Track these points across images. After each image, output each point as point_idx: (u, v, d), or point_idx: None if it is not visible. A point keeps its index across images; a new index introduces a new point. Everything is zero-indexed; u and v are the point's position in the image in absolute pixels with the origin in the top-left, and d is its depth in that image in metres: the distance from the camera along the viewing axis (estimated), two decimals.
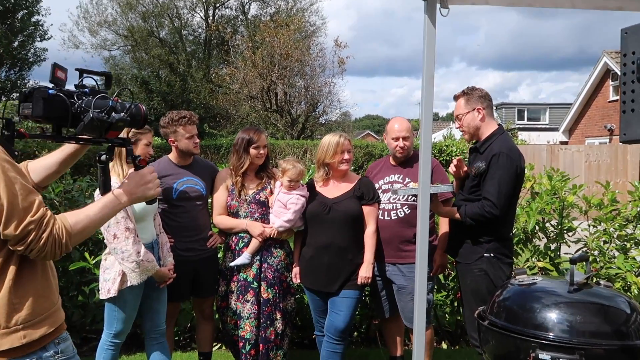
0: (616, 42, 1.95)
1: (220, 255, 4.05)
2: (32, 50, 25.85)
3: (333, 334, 3.55)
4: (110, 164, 3.24)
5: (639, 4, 2.48)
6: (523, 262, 4.39)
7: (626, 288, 4.29)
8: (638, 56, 1.91)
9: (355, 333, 4.80)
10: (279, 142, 18.89)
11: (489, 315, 2.54)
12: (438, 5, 2.50)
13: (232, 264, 3.70)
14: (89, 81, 1.92)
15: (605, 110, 22.69)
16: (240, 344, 3.66)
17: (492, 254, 3.21)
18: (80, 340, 4.54)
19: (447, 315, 4.81)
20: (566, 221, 4.51)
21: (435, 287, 4.30)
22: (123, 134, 2.16)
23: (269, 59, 22.38)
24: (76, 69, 1.91)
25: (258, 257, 3.70)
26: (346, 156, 3.63)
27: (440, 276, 4.48)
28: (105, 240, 3.23)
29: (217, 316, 3.99)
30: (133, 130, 3.15)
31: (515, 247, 4.30)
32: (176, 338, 4.62)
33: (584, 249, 4.49)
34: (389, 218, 3.69)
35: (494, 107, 3.51)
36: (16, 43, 24.62)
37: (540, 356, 2.23)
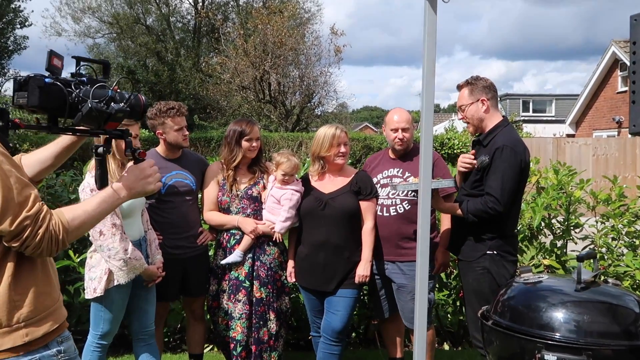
0: (625, 31, 1.96)
1: (211, 253, 4.05)
2: (11, 38, 25.66)
3: (330, 335, 3.56)
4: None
5: None
6: (528, 259, 4.41)
7: (635, 286, 4.32)
8: None
9: (353, 334, 4.82)
10: (273, 135, 18.88)
11: (492, 315, 2.56)
12: None
13: (223, 262, 3.70)
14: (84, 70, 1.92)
15: (613, 101, 22.75)
16: (232, 346, 3.67)
17: (495, 252, 3.22)
18: None
19: (449, 315, 4.83)
20: (573, 217, 4.53)
21: (437, 285, 4.31)
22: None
23: (262, 48, 22.31)
24: (73, 57, 1.91)
25: (250, 255, 3.70)
26: (342, 149, 3.62)
27: (442, 274, 4.49)
28: (90, 237, 3.22)
29: (208, 316, 3.99)
30: None
31: (520, 244, 4.31)
32: (166, 339, 4.62)
33: (592, 246, 4.50)
34: (387, 214, 3.70)
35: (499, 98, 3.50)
36: None
37: (546, 357, 2.25)
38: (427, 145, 2.56)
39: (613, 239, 4.57)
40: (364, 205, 3.61)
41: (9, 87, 1.79)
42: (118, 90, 1.90)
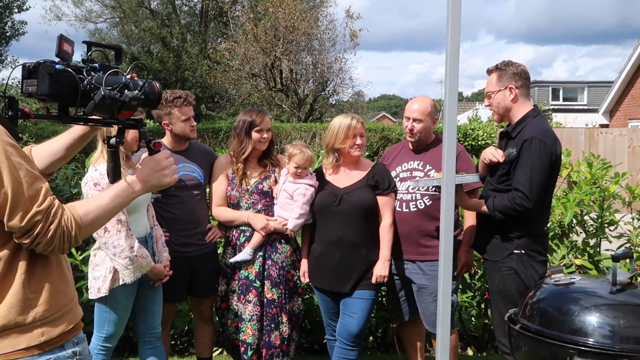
0: None
1: (220, 250, 4.08)
2: (9, 23, 25.93)
3: (346, 339, 3.56)
4: (99, 149, 3.28)
5: None
6: (559, 259, 4.39)
7: None
8: None
9: (371, 338, 4.82)
10: (285, 125, 18.89)
11: (520, 319, 2.54)
12: None
13: (231, 260, 3.72)
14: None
15: None
16: (242, 349, 3.69)
17: (522, 251, 3.20)
18: None
19: (473, 318, 4.82)
20: (607, 214, 4.49)
21: (460, 287, 4.30)
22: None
23: (273, 32, 22.30)
24: (84, 42, 1.91)
25: (261, 254, 3.72)
26: (358, 141, 3.61)
27: (466, 275, 4.48)
28: (94, 234, 3.25)
29: (217, 318, 4.02)
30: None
31: (550, 242, 4.29)
32: (172, 342, 4.66)
33: (628, 245, 4.46)
34: (407, 210, 3.68)
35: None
36: None
37: None
38: (450, 137, 2.54)
39: None
40: (381, 200, 3.61)
41: (5, 76, 1.81)
42: (133, 77, 1.89)
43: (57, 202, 1.71)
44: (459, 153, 3.55)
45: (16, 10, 25.80)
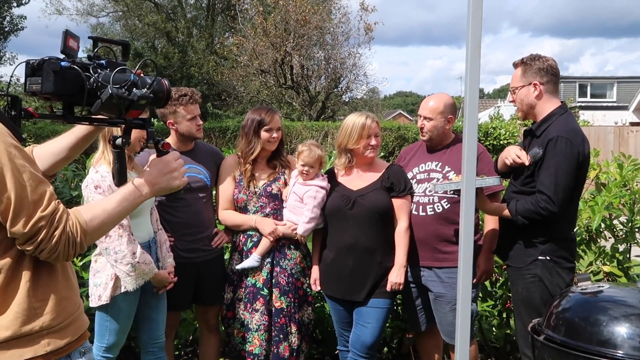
0: None
1: (226, 256, 4.09)
2: (8, 18, 26.21)
3: (359, 350, 3.56)
4: (100, 150, 3.30)
5: None
6: (586, 266, 4.35)
7: None
8: None
9: (385, 349, 4.81)
10: (295, 124, 18.93)
11: (545, 329, 2.53)
12: None
13: (238, 266, 3.72)
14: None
15: None
16: None
17: (548, 257, 3.18)
18: None
19: (494, 328, 4.79)
20: (638, 218, 4.45)
21: (480, 295, 4.28)
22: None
23: (283, 26, 22.37)
24: (89, 37, 1.91)
25: (269, 260, 3.72)
26: (373, 141, 3.61)
27: (486, 282, 4.46)
28: None
29: (222, 328, 4.03)
30: None
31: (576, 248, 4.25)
32: (176, 352, 4.68)
33: None
34: (424, 213, 3.67)
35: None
36: None
37: None
38: (471, 137, 2.52)
39: None
40: (397, 203, 3.60)
41: (5, 74, 1.82)
42: (141, 74, 1.88)
43: (61, 206, 1.71)
44: (480, 154, 3.54)
45: (15, 4, 26.09)
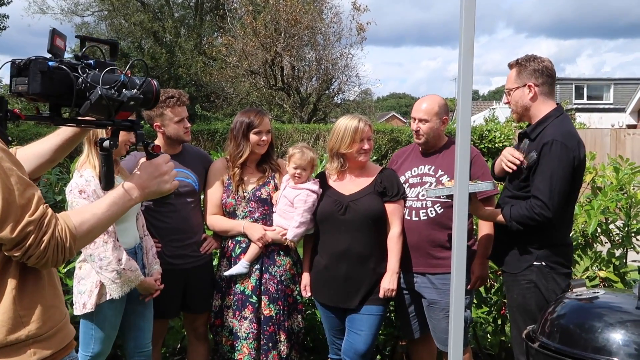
0: None
1: (215, 262, 4.08)
2: None
3: (352, 358, 3.57)
4: (85, 154, 3.29)
5: None
6: (581, 271, 4.37)
7: None
8: None
9: (378, 356, 4.82)
10: (286, 127, 18.94)
11: (539, 336, 2.54)
12: None
13: (226, 273, 3.72)
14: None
15: None
16: None
17: (543, 263, 3.20)
18: None
19: (488, 335, 4.80)
20: (635, 222, 4.47)
21: (475, 301, 4.29)
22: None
23: (273, 26, 22.39)
24: (77, 36, 1.91)
25: (258, 266, 3.71)
26: (366, 145, 3.61)
27: (481, 289, 4.47)
28: None
29: (211, 336, 4.02)
30: None
31: None
32: None
33: None
34: (417, 218, 3.68)
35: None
36: None
37: None
38: (464, 141, 2.52)
39: None
40: (389, 207, 3.61)
41: None
42: (130, 75, 1.88)
43: (50, 211, 1.70)
44: (473, 157, 3.56)
45: None
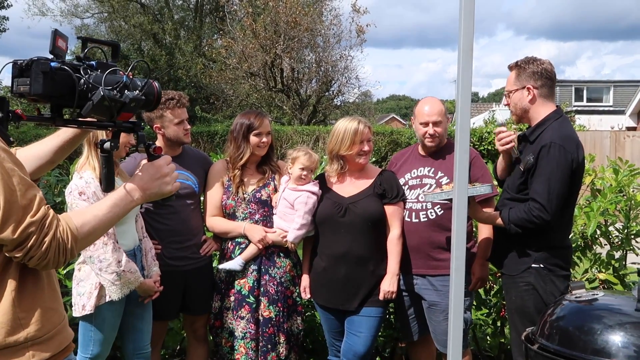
0: None
1: (215, 264, 4.08)
2: None
3: None
4: (85, 155, 3.29)
5: None
6: (581, 273, 4.37)
7: None
8: None
9: (378, 358, 4.81)
10: (286, 129, 18.94)
11: (538, 338, 2.54)
12: None
13: (220, 266, 3.72)
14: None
15: None
16: None
17: (541, 265, 3.20)
18: None
19: (488, 337, 4.80)
20: (634, 224, 4.47)
21: (474, 303, 4.29)
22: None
23: (273, 28, 22.39)
24: (79, 37, 1.91)
25: (255, 267, 3.71)
26: (365, 147, 3.61)
27: (481, 290, 4.47)
28: None
29: (210, 337, 4.02)
30: None
31: None
32: None
33: None
34: (417, 220, 3.69)
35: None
36: None
37: None
38: (463, 144, 2.52)
39: None
40: (389, 209, 3.61)
41: None
42: (132, 77, 1.88)
43: (51, 212, 1.70)
44: (472, 159, 3.57)
45: None
